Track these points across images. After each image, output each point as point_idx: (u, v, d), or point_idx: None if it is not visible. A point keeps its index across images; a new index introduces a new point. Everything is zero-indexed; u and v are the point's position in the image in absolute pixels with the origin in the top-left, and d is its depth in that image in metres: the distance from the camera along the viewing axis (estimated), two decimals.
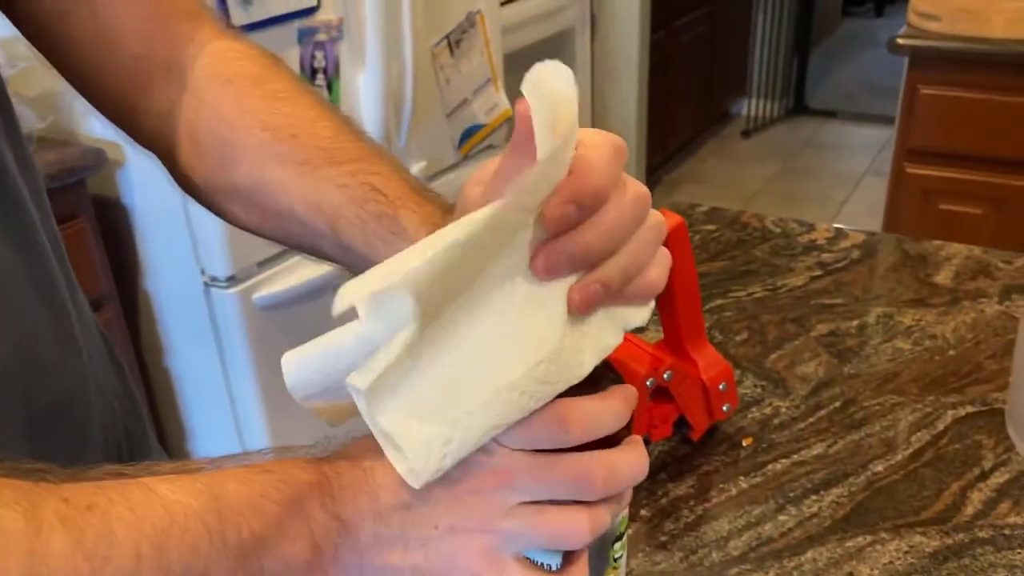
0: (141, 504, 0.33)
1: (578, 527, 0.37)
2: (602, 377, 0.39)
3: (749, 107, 3.84)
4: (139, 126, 0.60)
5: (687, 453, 0.72)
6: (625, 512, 0.42)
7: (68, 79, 0.59)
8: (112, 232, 1.55)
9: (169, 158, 0.58)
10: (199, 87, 0.56)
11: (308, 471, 0.37)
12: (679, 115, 3.32)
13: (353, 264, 0.49)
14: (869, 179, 3.37)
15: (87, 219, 1.47)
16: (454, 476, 0.36)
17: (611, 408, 0.38)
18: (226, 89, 0.55)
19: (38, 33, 0.57)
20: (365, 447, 0.38)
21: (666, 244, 0.67)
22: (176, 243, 1.50)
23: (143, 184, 1.50)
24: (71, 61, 0.58)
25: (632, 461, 0.38)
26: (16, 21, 0.56)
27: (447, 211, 0.47)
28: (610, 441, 0.37)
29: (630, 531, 0.43)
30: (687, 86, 3.34)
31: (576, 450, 0.36)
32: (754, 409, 0.77)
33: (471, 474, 0.36)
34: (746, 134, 3.80)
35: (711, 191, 3.32)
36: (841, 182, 3.37)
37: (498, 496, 0.36)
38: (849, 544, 0.63)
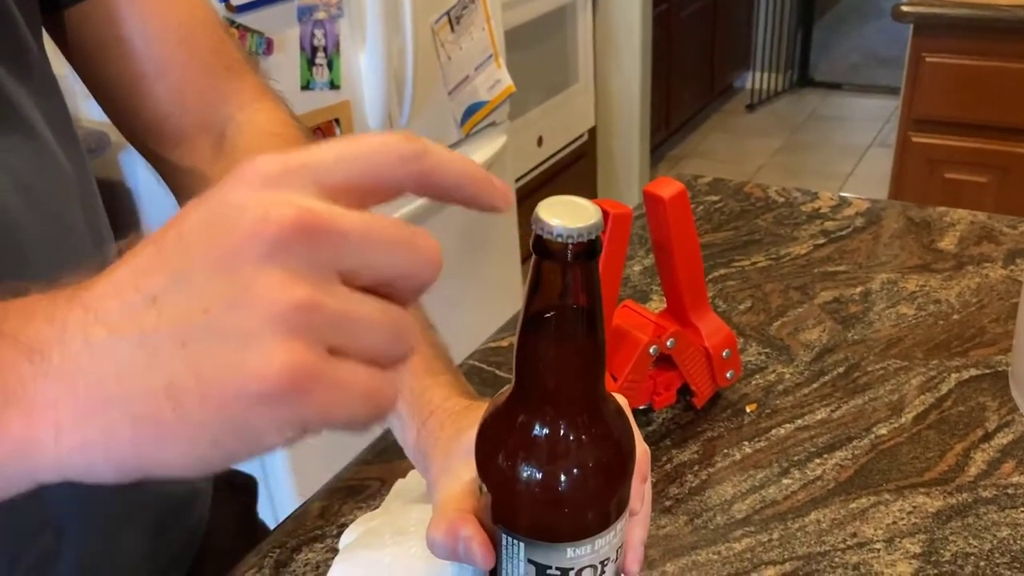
0: None
1: (389, 383, 0.29)
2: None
3: (753, 80, 3.82)
4: (168, 176, 0.60)
5: (691, 420, 0.73)
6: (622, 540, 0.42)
7: (110, 117, 0.59)
8: (116, 215, 1.54)
9: None
10: (235, 159, 0.55)
11: None
12: (682, 89, 3.30)
13: None
14: (875, 151, 3.35)
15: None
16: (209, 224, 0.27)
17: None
18: None
19: (81, 65, 0.57)
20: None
21: (667, 211, 0.67)
22: None
23: (145, 166, 1.50)
24: (107, 99, 0.58)
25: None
26: (65, 50, 0.56)
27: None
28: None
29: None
30: (690, 60, 3.32)
31: None
32: (758, 376, 0.77)
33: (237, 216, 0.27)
34: (750, 107, 3.77)
35: (715, 166, 3.31)
36: (846, 154, 3.36)
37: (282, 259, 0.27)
38: (852, 505, 0.63)
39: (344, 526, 0.64)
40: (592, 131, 2.77)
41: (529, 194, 2.37)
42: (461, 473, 0.45)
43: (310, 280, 0.27)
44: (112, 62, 0.55)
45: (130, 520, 0.57)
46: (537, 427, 0.39)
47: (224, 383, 0.26)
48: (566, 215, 0.34)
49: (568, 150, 2.65)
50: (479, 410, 0.49)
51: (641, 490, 0.46)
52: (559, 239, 0.34)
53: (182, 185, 0.59)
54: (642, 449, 0.45)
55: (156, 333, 0.26)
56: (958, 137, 1.87)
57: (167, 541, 0.61)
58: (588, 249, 0.35)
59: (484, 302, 1.95)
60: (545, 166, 2.54)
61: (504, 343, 0.84)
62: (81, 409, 0.27)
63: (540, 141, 2.51)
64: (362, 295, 0.28)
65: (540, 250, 0.35)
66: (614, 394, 0.44)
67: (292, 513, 0.67)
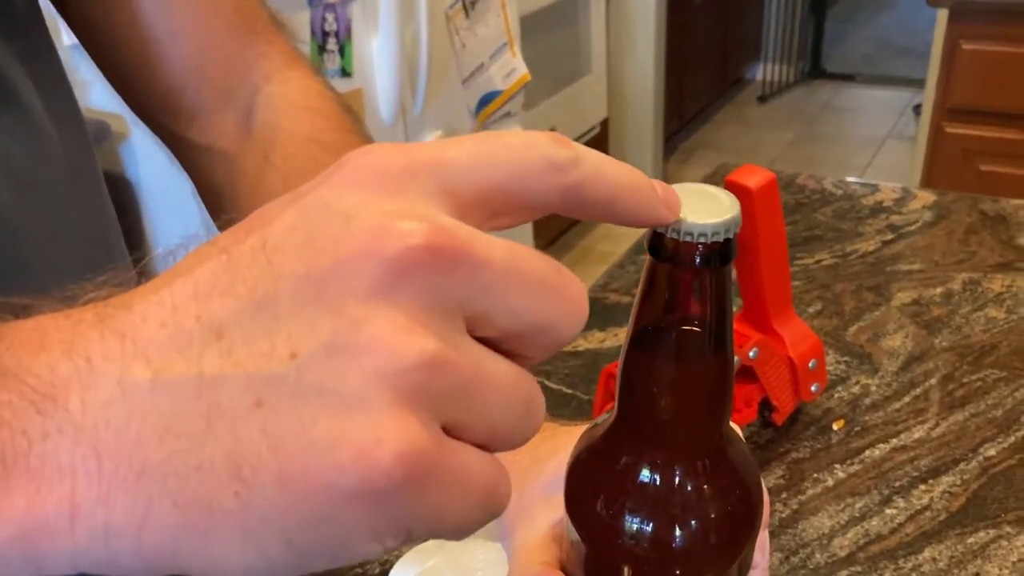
0: None
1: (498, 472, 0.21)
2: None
3: (764, 72, 3.74)
4: (184, 157, 0.51)
5: (772, 439, 0.65)
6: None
7: (115, 88, 0.51)
8: (117, 207, 1.47)
9: (215, 200, 0.50)
10: (269, 139, 0.47)
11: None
12: (695, 81, 3.22)
13: None
14: (891, 143, 3.28)
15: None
16: (312, 239, 0.19)
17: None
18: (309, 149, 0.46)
19: (81, 28, 0.48)
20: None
21: (754, 204, 0.59)
22: (184, 218, 1.42)
23: (148, 158, 1.42)
24: (112, 67, 0.49)
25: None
26: (62, 10, 0.48)
27: None
28: None
29: None
30: (702, 51, 3.24)
31: None
32: (840, 388, 0.69)
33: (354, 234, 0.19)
34: (762, 99, 3.69)
35: (728, 158, 3.22)
36: (862, 146, 3.28)
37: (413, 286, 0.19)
38: (970, 540, 0.55)
39: (387, 565, 0.56)
40: (604, 122, 2.69)
41: None
42: (540, 517, 0.38)
43: (435, 326, 0.19)
44: (117, 25, 0.47)
45: None
46: (649, 469, 0.31)
47: (312, 465, 0.18)
48: (695, 207, 0.26)
49: (581, 141, 2.57)
50: (555, 435, 0.41)
51: (762, 538, 0.38)
52: (688, 238, 0.26)
53: (200, 167, 0.50)
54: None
55: (221, 381, 0.18)
56: (996, 127, 1.79)
57: None
58: (723, 251, 0.26)
59: None
60: None
61: None
62: (107, 481, 0.19)
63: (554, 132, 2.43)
64: (489, 351, 0.20)
65: (661, 251, 0.27)
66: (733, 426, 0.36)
67: None
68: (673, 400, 0.30)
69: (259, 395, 0.18)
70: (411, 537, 0.19)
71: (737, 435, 0.33)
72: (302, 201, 0.20)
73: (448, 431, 0.20)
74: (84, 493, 0.19)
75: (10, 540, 0.19)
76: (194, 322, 0.19)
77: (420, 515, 0.19)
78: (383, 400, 0.18)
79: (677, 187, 0.27)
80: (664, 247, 0.26)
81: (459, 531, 0.20)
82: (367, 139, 0.51)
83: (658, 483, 0.31)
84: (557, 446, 0.39)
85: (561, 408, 0.69)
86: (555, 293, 0.21)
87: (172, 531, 0.19)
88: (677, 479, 0.31)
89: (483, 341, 0.20)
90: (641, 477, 0.31)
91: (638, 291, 0.28)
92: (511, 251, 0.20)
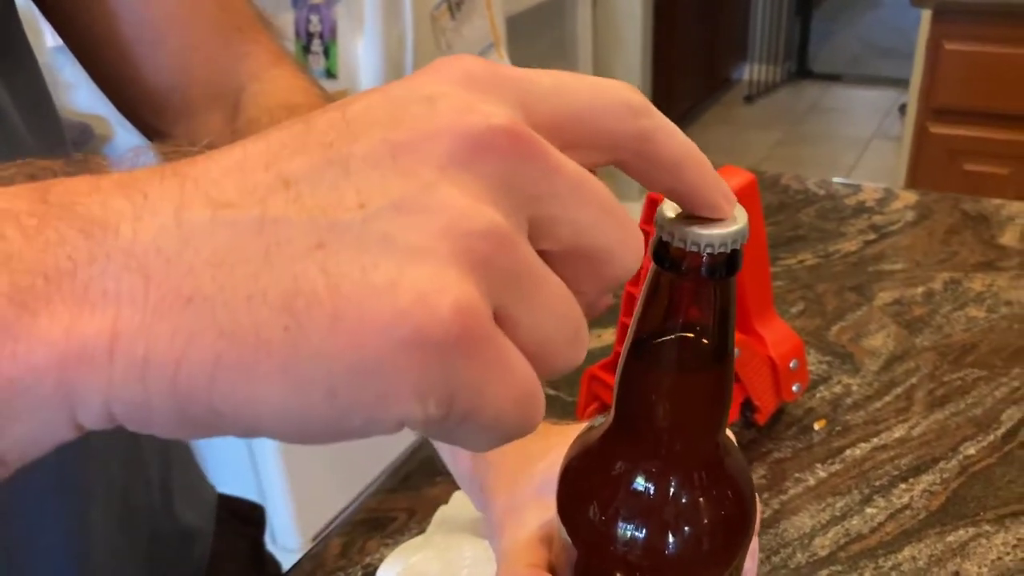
0: None
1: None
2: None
3: (751, 72, 3.75)
4: None
5: (754, 439, 0.65)
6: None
7: (98, 85, 0.50)
8: None
9: None
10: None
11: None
12: (682, 81, 3.23)
13: None
14: (877, 143, 3.29)
15: None
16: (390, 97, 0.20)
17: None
18: None
19: (61, 26, 0.48)
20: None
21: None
22: None
23: (135, 161, 1.41)
24: (95, 66, 0.49)
25: None
26: (52, 20, 0.48)
27: None
28: None
29: None
30: (688, 51, 3.24)
31: None
32: (822, 388, 0.70)
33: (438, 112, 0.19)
34: (749, 99, 3.71)
35: (716, 159, 3.20)
36: (848, 146, 3.29)
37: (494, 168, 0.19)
38: (950, 539, 0.56)
39: (370, 567, 0.56)
40: None
41: None
42: (530, 517, 0.38)
43: (506, 210, 0.19)
44: (100, 25, 0.46)
45: (117, 560, 0.49)
46: (644, 477, 0.31)
47: (369, 308, 0.17)
48: (701, 217, 0.26)
49: None
50: (546, 435, 0.41)
51: (753, 544, 0.38)
52: (694, 248, 0.26)
53: None
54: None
55: (284, 221, 0.18)
56: (980, 127, 1.80)
57: None
58: (730, 263, 0.26)
59: None
60: None
61: None
62: (152, 309, 0.17)
63: None
64: (547, 266, 0.20)
65: (666, 260, 0.27)
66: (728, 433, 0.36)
67: (309, 551, 0.59)
68: (673, 410, 0.30)
69: (322, 238, 0.18)
70: (450, 414, 0.18)
71: (732, 443, 0.33)
72: (387, 87, 0.20)
73: (498, 321, 0.19)
74: (127, 321, 0.17)
75: (45, 366, 0.17)
76: (263, 171, 0.18)
77: (465, 382, 0.18)
78: (447, 256, 0.18)
79: None
80: (670, 256, 0.26)
81: (493, 426, 0.19)
82: None
83: (653, 491, 0.31)
84: (548, 446, 0.39)
85: (546, 409, 0.69)
86: (619, 222, 0.21)
87: (213, 363, 0.17)
88: (672, 487, 0.31)
89: (542, 256, 0.20)
90: (636, 484, 0.31)
91: (640, 298, 0.28)
92: (581, 169, 0.20)
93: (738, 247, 0.26)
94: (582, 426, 0.38)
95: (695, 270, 0.26)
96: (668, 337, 0.28)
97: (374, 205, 0.18)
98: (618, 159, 0.22)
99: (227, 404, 0.18)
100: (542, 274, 0.20)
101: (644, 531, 0.31)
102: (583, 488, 0.32)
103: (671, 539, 0.31)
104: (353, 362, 0.17)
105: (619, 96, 0.21)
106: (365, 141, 0.19)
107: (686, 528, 0.31)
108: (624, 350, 0.30)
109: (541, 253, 0.20)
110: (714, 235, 0.25)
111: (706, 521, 0.31)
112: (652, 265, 0.27)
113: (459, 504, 0.56)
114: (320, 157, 0.18)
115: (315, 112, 0.20)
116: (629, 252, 0.21)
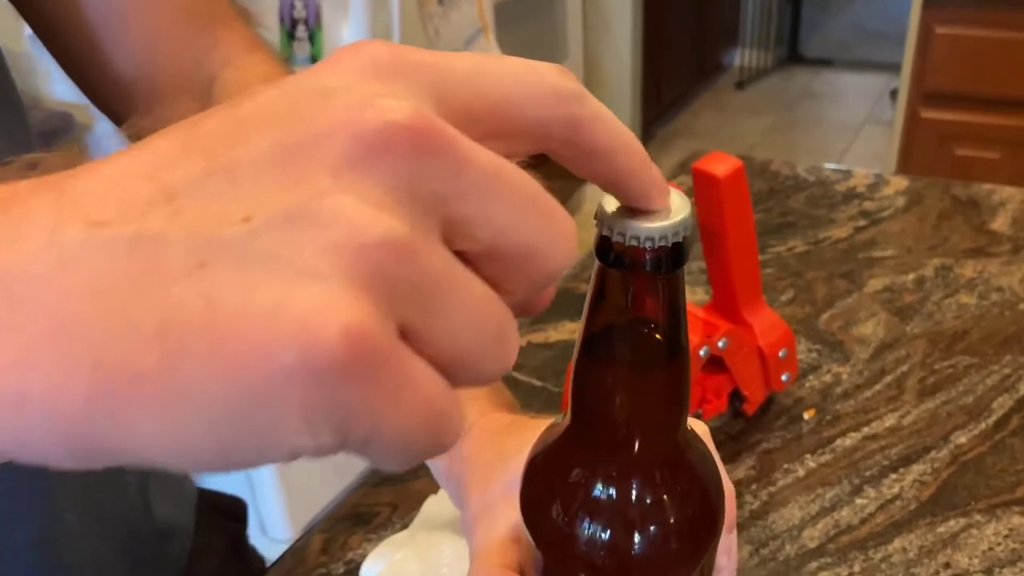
0: None
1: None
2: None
3: (742, 57, 3.73)
4: None
5: (742, 429, 0.64)
6: None
7: (67, 73, 0.49)
8: None
9: None
10: None
11: None
12: (673, 67, 3.21)
13: None
14: (869, 128, 3.29)
15: None
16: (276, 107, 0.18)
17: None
18: None
19: (36, 22, 0.46)
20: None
21: (721, 192, 0.58)
22: None
23: (112, 149, 1.39)
24: (62, 53, 0.47)
25: None
26: (20, 8, 0.46)
27: None
28: None
29: None
30: (679, 36, 3.22)
31: None
32: (811, 377, 0.69)
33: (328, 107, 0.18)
34: (740, 85, 3.69)
35: (707, 145, 3.21)
36: (840, 132, 3.28)
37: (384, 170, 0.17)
38: (940, 529, 0.55)
39: (353, 563, 0.55)
40: None
41: None
42: (502, 515, 0.37)
43: (407, 215, 0.17)
44: (67, 12, 0.45)
45: (93, 560, 0.48)
46: (603, 477, 0.30)
47: (249, 333, 0.16)
48: (644, 209, 0.25)
49: None
50: (524, 429, 0.40)
51: (728, 542, 0.37)
52: (633, 243, 0.24)
53: None
54: (728, 491, 0.36)
55: (163, 240, 0.16)
56: (971, 112, 1.80)
57: None
58: (674, 256, 0.25)
59: None
60: None
61: (522, 341, 0.75)
62: (23, 338, 0.16)
63: None
64: (463, 266, 0.18)
65: (608, 256, 0.26)
66: (695, 423, 0.35)
67: (291, 547, 0.58)
68: (626, 408, 0.29)
69: (202, 257, 0.16)
70: (347, 440, 0.17)
71: (696, 435, 0.32)
72: (285, 80, 0.18)
73: (404, 337, 0.17)
74: (1, 354, 0.16)
75: None
76: (144, 183, 0.17)
77: (360, 408, 0.17)
78: (337, 273, 0.16)
79: None
80: (611, 251, 0.25)
81: (398, 448, 0.18)
82: None
83: (613, 491, 0.30)
84: (524, 441, 0.38)
85: (531, 401, 0.68)
86: (545, 216, 0.19)
87: (87, 398, 0.16)
88: (631, 488, 0.30)
89: (461, 257, 0.18)
90: (595, 485, 0.30)
91: (587, 296, 0.27)
92: (499, 160, 0.18)
93: (681, 239, 0.25)
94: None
95: (639, 265, 0.25)
96: (617, 335, 0.27)
97: (260, 218, 0.16)
98: (546, 148, 0.21)
99: (109, 439, 0.17)
100: (453, 280, 0.18)
101: (605, 534, 0.30)
102: (543, 491, 0.32)
103: (632, 540, 0.30)
104: (233, 392, 0.16)
105: (545, 81, 0.20)
106: (254, 144, 0.17)
107: (647, 529, 0.30)
108: (576, 349, 0.29)
109: (462, 254, 0.18)
110: (655, 228, 0.24)
111: (668, 520, 0.30)
112: (596, 261, 0.26)
113: (444, 498, 0.55)
114: (204, 165, 0.17)
115: (206, 112, 0.18)
116: (558, 247, 0.19)
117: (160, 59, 0.48)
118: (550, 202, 0.19)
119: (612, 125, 0.21)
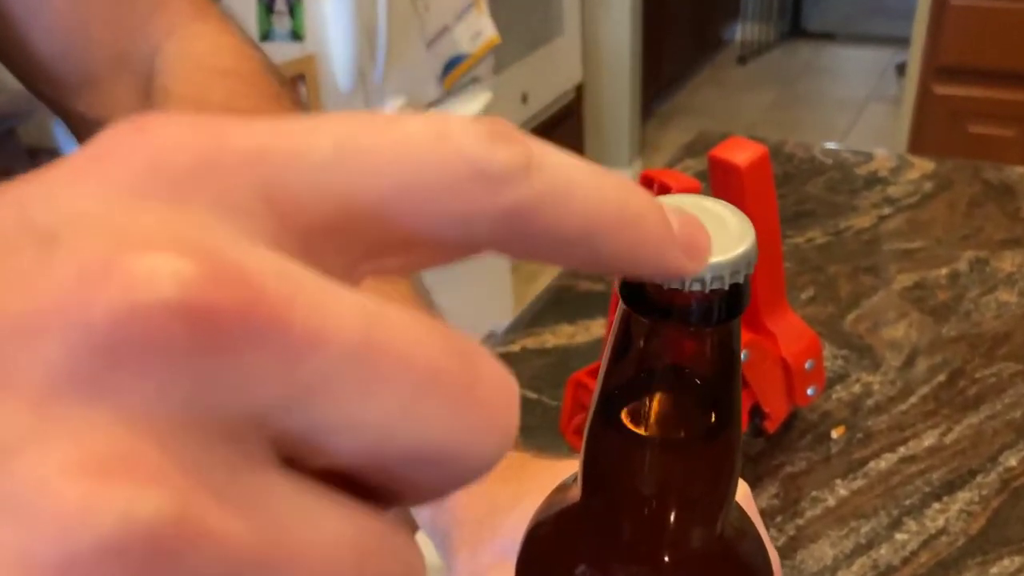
0: None
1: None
2: None
3: (743, 31, 3.64)
4: (78, 133, 0.45)
5: (763, 450, 0.57)
6: None
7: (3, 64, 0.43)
8: None
9: None
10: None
11: None
12: (673, 42, 3.11)
13: None
14: (873, 105, 3.20)
15: (21, 173, 1.28)
16: None
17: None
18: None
19: None
20: None
21: (743, 183, 0.51)
22: None
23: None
24: None
25: None
26: None
27: None
28: None
29: None
30: (680, 10, 3.13)
31: None
32: (839, 387, 0.62)
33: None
34: (741, 60, 3.60)
35: (708, 122, 3.13)
36: (844, 108, 3.20)
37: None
38: (994, 570, 0.48)
39: None
40: (579, 87, 2.59)
41: None
42: None
43: (194, 459, 0.10)
44: None
45: None
46: (619, 573, 0.23)
47: None
48: None
49: (554, 107, 2.47)
50: (521, 474, 0.34)
51: None
52: (676, 285, 0.17)
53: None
54: (776, 567, 0.29)
55: None
56: (985, 87, 1.72)
57: None
58: (731, 301, 0.18)
59: (471, 308, 1.76)
60: (531, 125, 2.36)
61: (515, 347, 0.68)
62: None
63: (525, 98, 2.32)
64: (315, 495, 0.11)
65: (638, 300, 0.18)
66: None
67: None
68: (658, 493, 0.22)
69: None
70: None
71: (744, 514, 0.25)
72: (7, 191, 0.11)
73: None
74: None
75: None
76: None
77: None
78: None
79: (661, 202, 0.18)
80: (646, 296, 0.18)
81: None
82: (296, 107, 0.43)
83: None
84: (521, 492, 0.32)
85: (525, 416, 0.60)
86: (456, 396, 0.11)
87: None
88: None
89: (324, 476, 0.11)
90: None
91: (608, 344, 0.20)
92: (369, 315, 0.11)
93: (740, 279, 0.17)
94: (564, 467, 0.30)
95: (683, 314, 0.18)
96: (648, 400, 0.20)
97: None
98: (480, 250, 0.13)
99: None
100: (277, 548, 0.10)
101: None
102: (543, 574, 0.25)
103: None
104: None
105: (461, 155, 0.12)
106: None
107: None
108: (591, 407, 0.21)
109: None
110: (709, 265, 0.17)
111: None
112: (620, 304, 0.19)
113: (427, 543, 0.48)
114: None
115: None
116: (481, 440, 0.12)
117: (89, 30, 0.42)
118: (467, 365, 0.12)
119: (582, 192, 0.13)
